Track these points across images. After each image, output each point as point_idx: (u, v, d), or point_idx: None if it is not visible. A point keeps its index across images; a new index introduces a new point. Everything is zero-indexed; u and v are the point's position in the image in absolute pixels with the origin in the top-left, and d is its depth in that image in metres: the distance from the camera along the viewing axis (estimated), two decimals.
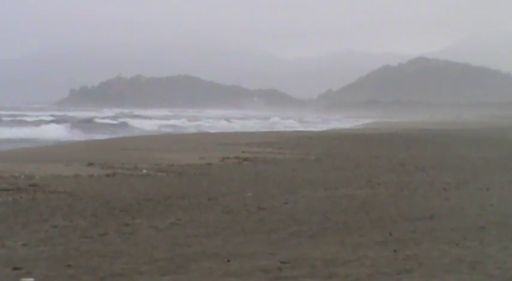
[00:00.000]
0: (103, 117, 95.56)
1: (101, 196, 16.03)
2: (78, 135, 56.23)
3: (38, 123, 71.38)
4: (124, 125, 77.48)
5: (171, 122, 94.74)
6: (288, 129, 78.39)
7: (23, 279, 8.16)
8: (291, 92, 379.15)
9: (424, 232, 10.99)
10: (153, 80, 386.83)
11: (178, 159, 26.68)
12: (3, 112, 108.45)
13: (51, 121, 76.52)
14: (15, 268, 8.68)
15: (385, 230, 11.30)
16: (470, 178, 20.75)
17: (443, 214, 13.26)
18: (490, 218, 12.40)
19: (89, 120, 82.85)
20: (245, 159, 27.35)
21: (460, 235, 10.49)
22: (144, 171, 22.14)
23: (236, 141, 40.55)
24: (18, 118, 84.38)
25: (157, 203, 15.15)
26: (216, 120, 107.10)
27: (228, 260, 8.93)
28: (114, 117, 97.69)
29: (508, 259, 8.65)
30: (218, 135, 52.89)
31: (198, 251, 9.68)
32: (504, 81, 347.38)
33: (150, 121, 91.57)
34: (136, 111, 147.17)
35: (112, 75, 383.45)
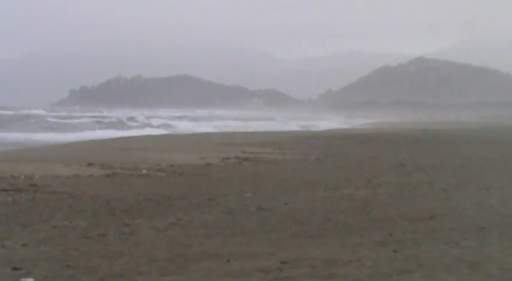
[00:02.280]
0: (148, 118, 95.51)
1: (101, 196, 16.01)
2: None
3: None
4: (168, 126, 76.17)
5: (225, 122, 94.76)
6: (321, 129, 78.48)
7: (23, 279, 8.15)
8: (291, 92, 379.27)
9: (424, 232, 10.98)
10: (153, 80, 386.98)
11: (178, 159, 26.66)
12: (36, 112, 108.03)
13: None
14: (15, 268, 8.67)
15: (385, 231, 11.29)
16: (470, 178, 20.74)
17: (443, 214, 13.25)
18: (490, 218, 12.39)
19: (147, 124, 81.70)
20: (245, 159, 27.33)
21: (460, 235, 10.48)
22: (144, 171, 22.13)
23: (236, 141, 40.55)
24: (65, 121, 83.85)
25: (157, 203, 15.13)
26: (258, 122, 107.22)
27: (228, 261, 8.92)
28: (149, 118, 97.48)
29: (508, 260, 8.65)
30: (218, 136, 52.91)
31: (198, 252, 9.67)
32: (504, 81, 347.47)
33: (196, 123, 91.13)
34: (161, 112, 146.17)
35: (112, 75, 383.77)
